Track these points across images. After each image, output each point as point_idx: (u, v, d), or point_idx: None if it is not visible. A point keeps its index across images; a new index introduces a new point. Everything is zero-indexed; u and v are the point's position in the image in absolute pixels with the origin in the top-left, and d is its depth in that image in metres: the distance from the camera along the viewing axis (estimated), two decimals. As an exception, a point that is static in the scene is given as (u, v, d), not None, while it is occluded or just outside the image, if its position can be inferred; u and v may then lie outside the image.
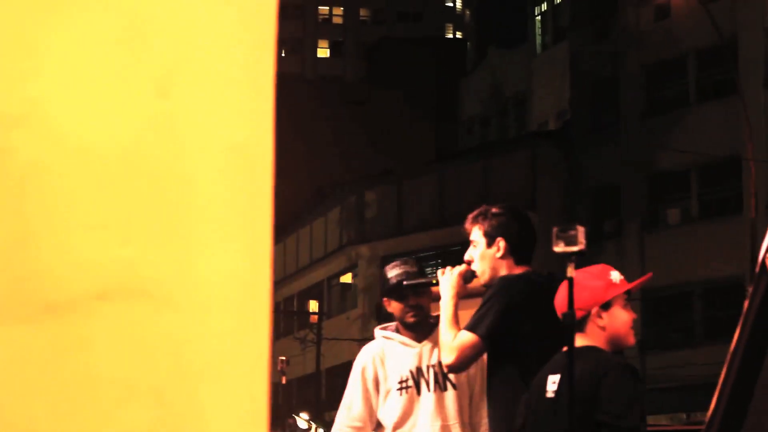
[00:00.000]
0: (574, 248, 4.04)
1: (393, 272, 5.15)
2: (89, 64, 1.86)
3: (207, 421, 1.85)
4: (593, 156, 30.47)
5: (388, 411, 5.13)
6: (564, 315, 4.15)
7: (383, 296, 5.22)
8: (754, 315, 4.48)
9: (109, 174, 1.83)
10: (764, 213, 25.37)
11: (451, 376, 5.09)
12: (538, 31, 36.57)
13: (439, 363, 5.04)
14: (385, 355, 5.17)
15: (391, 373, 5.14)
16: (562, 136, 32.37)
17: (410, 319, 5.12)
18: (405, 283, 5.04)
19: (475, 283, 4.69)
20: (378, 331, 5.28)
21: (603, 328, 4.34)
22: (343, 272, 39.55)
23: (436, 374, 5.11)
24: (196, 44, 1.94)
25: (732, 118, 26.12)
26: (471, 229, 4.67)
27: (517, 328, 4.47)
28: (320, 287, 40.31)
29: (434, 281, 4.82)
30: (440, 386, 5.11)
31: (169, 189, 1.85)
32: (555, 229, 4.10)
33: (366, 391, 5.15)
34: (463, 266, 4.68)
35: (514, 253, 4.63)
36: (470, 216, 4.71)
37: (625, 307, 4.39)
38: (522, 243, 4.66)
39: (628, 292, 4.43)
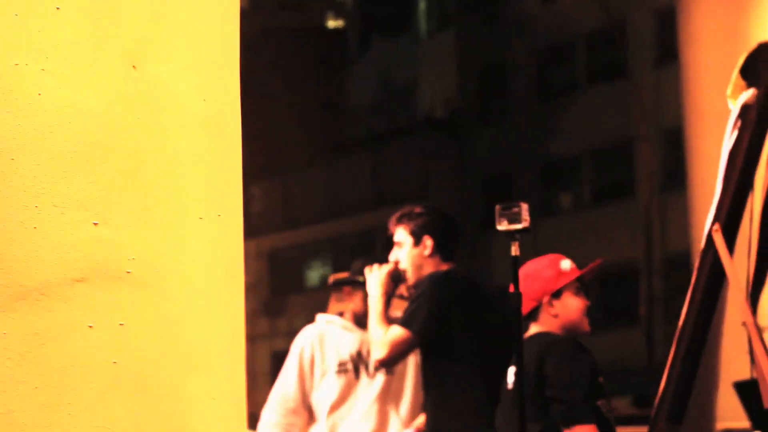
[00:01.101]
0: (518, 226, 4.31)
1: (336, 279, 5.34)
2: (58, 34, 1.69)
3: (191, 407, 1.72)
4: (484, 143, 30.33)
5: (324, 393, 5.13)
6: (510, 295, 4.24)
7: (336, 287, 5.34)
8: (701, 291, 4.52)
9: (82, 148, 1.66)
10: (657, 195, 25.30)
11: None
12: (423, 17, 36.27)
13: None
14: (325, 337, 5.20)
15: (329, 355, 5.15)
16: (451, 124, 32.29)
17: (360, 309, 5.16)
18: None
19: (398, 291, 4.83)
20: (320, 316, 5.32)
21: (555, 316, 4.55)
22: (230, 269, 39.12)
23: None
24: (166, 15, 1.85)
25: (623, 102, 26.06)
26: (395, 230, 4.80)
27: (448, 324, 4.58)
28: (206, 285, 39.75)
29: (360, 279, 4.95)
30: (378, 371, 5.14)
31: (146, 164, 1.72)
32: (498, 207, 4.34)
33: (302, 371, 5.19)
34: (391, 265, 4.78)
35: (440, 250, 4.79)
36: (393, 217, 4.83)
37: (577, 294, 4.61)
38: (447, 240, 4.82)
39: (580, 279, 4.66)
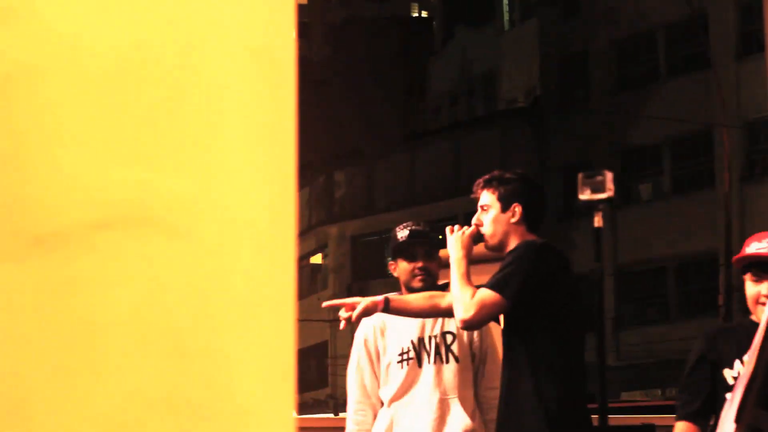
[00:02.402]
0: (602, 195, 4.03)
1: (401, 233, 5.04)
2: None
3: (232, 372, 1.57)
4: (564, 133, 30.30)
5: (388, 385, 4.99)
6: (593, 270, 4.12)
7: (390, 258, 5.06)
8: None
9: (109, 80, 1.53)
10: (737, 186, 25.27)
11: (454, 348, 4.96)
12: (506, 8, 36.32)
13: (442, 333, 4.96)
14: (386, 326, 5.03)
15: (390, 345, 5.00)
16: (532, 113, 32.20)
17: (417, 284, 4.96)
18: (405, 233, 4.95)
19: (479, 250, 4.57)
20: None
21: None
22: (313, 253, 39.31)
23: (437, 345, 4.97)
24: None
25: (703, 92, 25.98)
26: (481, 194, 4.58)
27: (543, 297, 4.36)
28: (290, 269, 39.95)
29: (440, 236, 4.68)
30: (441, 358, 4.95)
31: (181, 99, 1.55)
32: (580, 176, 4.09)
33: (371, 363, 5.03)
34: (473, 227, 4.54)
35: (527, 219, 4.54)
36: (481, 180, 4.60)
37: (755, 280, 4.30)
38: (536, 210, 4.57)
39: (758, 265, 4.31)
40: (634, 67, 29.57)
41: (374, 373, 5.03)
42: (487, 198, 4.56)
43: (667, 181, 28.85)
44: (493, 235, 4.53)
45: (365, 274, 35.73)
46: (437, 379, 4.93)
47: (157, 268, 1.50)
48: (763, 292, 4.25)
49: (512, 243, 4.51)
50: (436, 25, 46.68)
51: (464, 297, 4.33)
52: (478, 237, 4.52)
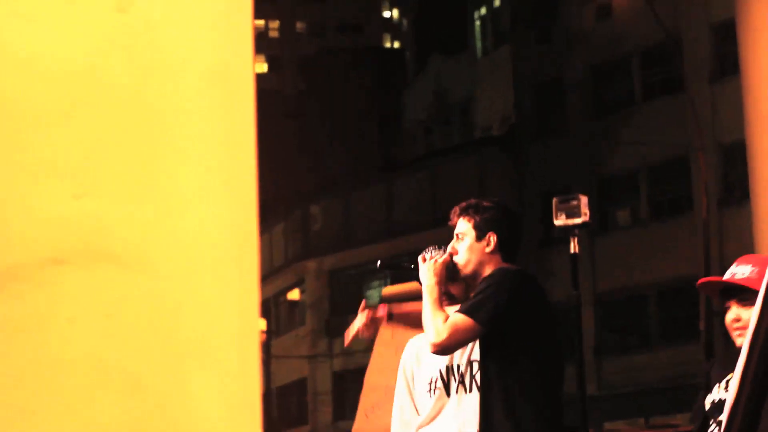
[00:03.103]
0: (577, 220, 4.13)
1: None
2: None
3: (193, 408, 1.47)
4: (540, 160, 30.24)
5: (420, 414, 4.86)
6: (570, 297, 4.26)
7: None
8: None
9: (61, 105, 1.41)
10: (715, 210, 25.16)
11: (477, 378, 4.80)
12: (479, 36, 36.31)
13: (468, 362, 4.81)
14: (422, 354, 4.90)
15: (423, 373, 4.89)
16: (507, 141, 32.20)
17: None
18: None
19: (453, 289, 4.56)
20: None
21: None
22: (290, 288, 39.11)
23: (462, 374, 4.81)
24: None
25: (679, 116, 25.93)
26: (457, 221, 4.53)
27: (516, 324, 4.33)
28: (267, 305, 39.78)
29: (411, 266, 4.60)
30: (465, 387, 4.80)
31: (137, 125, 1.44)
32: (555, 200, 4.17)
33: (410, 390, 4.92)
34: (447, 256, 4.50)
35: (502, 249, 4.50)
36: (458, 207, 4.56)
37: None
38: (511, 240, 4.54)
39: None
40: (609, 92, 29.56)
41: (412, 401, 4.94)
42: (463, 226, 4.51)
43: (645, 207, 28.79)
44: (466, 264, 4.48)
45: (344, 308, 35.53)
46: (458, 409, 4.78)
47: (114, 303, 1.43)
48: (731, 317, 4.27)
49: (487, 272, 4.45)
50: (410, 54, 46.72)
51: (437, 321, 4.29)
52: (452, 266, 4.47)
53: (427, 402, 4.83)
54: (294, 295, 39.31)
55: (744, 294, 4.27)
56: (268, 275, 39.91)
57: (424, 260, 4.49)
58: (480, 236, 4.48)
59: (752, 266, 4.28)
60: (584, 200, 3.89)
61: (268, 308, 39.88)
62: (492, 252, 4.46)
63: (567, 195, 3.74)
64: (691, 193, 26.74)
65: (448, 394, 4.80)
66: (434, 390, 4.82)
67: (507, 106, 33.52)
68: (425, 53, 41.07)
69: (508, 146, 32.01)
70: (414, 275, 4.60)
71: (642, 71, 28.84)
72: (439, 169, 33.55)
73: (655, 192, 28.59)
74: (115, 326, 1.41)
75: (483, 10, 36.10)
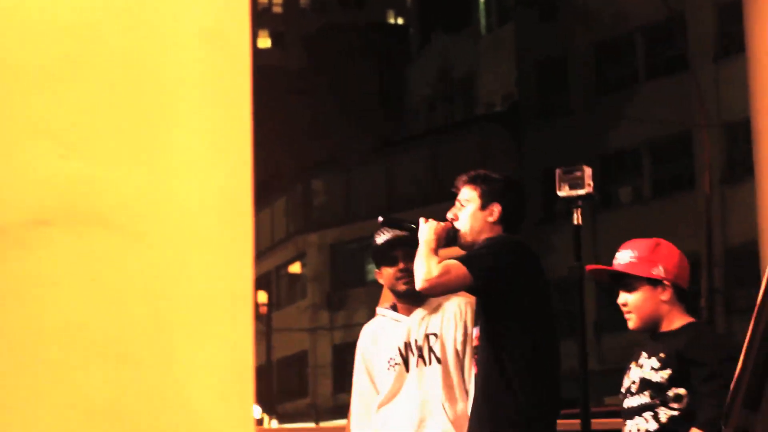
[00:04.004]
0: (581, 191, 4.08)
1: (379, 238, 4.94)
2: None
3: (184, 381, 1.41)
4: (542, 137, 30.22)
5: (380, 392, 4.92)
6: (572, 268, 4.13)
7: (375, 267, 4.98)
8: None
9: (49, 63, 1.37)
10: (718, 188, 25.19)
11: (437, 349, 4.86)
12: (483, 12, 36.24)
13: (426, 336, 4.87)
14: (378, 335, 4.97)
15: (381, 353, 4.93)
16: (510, 118, 32.15)
17: (401, 287, 4.86)
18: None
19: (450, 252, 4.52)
20: (377, 309, 5.07)
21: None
22: (291, 262, 39.17)
23: (420, 348, 4.88)
24: None
25: (683, 95, 25.91)
26: (462, 189, 4.56)
27: (513, 293, 4.33)
28: (268, 277, 39.84)
29: (414, 226, 4.57)
30: (424, 360, 4.87)
31: (131, 86, 1.41)
32: (558, 171, 4.10)
33: (369, 373, 4.98)
34: (448, 221, 4.52)
35: (505, 221, 4.51)
36: (465, 176, 4.58)
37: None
38: (515, 213, 4.55)
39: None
40: (612, 70, 29.50)
41: (372, 383, 4.99)
42: (468, 194, 4.52)
43: (648, 184, 28.77)
44: (467, 230, 4.49)
45: (345, 282, 35.61)
46: (419, 382, 4.85)
47: (101, 268, 1.35)
48: (620, 301, 4.41)
49: None
50: (413, 31, 46.61)
51: (430, 261, 4.25)
52: (452, 233, 4.48)
53: (387, 380, 4.88)
54: (295, 268, 39.36)
55: (626, 279, 4.41)
56: (269, 248, 39.97)
57: (426, 221, 4.48)
58: (484, 205, 4.50)
59: (631, 251, 4.38)
60: (588, 171, 3.86)
61: (269, 281, 39.95)
62: (494, 222, 4.48)
63: (571, 166, 3.68)
64: (694, 171, 26.72)
65: (408, 370, 4.86)
66: (394, 366, 4.87)
67: (510, 83, 33.47)
68: (429, 30, 40.95)
69: (511, 123, 31.97)
70: (414, 235, 4.57)
71: (646, 49, 28.77)
72: (442, 145, 33.54)
73: (658, 170, 28.54)
74: (101, 292, 1.35)
75: (487, -13, 36.05)
